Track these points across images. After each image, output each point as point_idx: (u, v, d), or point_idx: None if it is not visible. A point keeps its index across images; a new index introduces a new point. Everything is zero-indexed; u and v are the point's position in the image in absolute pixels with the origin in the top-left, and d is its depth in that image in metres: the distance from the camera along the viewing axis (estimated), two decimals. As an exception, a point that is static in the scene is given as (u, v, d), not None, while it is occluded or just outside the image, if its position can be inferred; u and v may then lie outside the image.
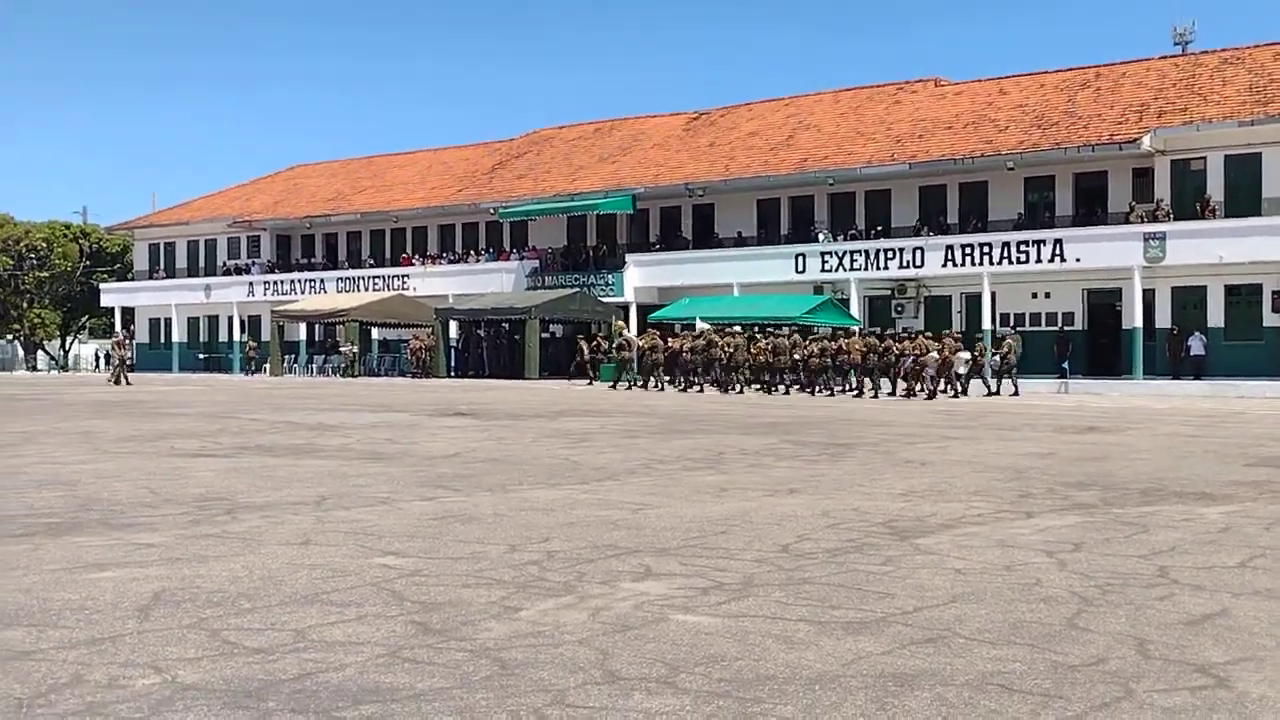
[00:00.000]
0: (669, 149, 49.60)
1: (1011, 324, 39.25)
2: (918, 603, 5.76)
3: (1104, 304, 38.46)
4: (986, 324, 37.82)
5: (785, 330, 36.09)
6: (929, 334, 33.13)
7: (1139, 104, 39.10)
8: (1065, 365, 36.28)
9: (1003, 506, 9.30)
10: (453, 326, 47.05)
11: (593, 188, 47.39)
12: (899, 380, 32.11)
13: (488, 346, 46.04)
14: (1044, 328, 39.11)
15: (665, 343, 36.47)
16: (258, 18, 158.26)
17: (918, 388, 31.22)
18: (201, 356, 58.84)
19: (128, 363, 43.90)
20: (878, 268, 39.63)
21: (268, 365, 51.61)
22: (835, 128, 45.89)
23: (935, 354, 31.39)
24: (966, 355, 32.42)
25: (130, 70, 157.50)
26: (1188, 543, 7.58)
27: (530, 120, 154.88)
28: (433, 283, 50.35)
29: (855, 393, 32.33)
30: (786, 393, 33.13)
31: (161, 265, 62.36)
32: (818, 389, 33.02)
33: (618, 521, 8.37)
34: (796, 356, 33.73)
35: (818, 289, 41.56)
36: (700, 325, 37.83)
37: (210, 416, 21.02)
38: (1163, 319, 36.49)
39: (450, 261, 51.95)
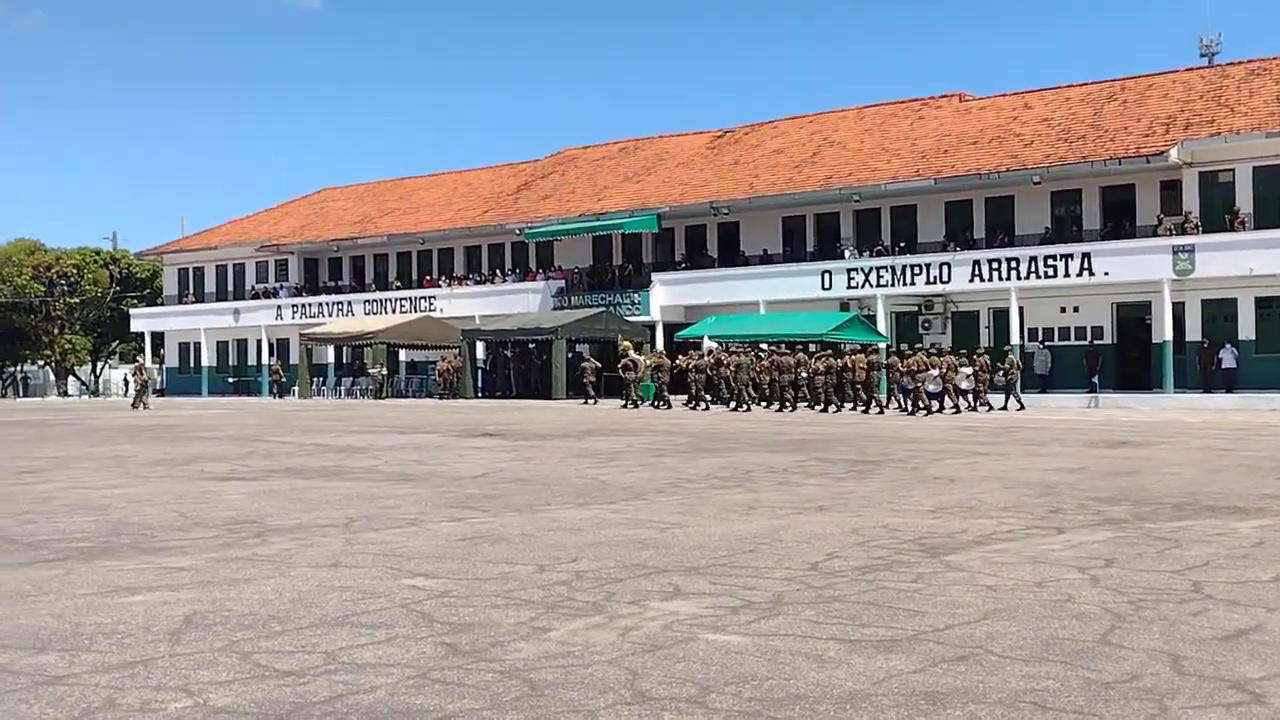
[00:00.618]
0: (693, 168, 49.66)
1: (1040, 339, 39.08)
2: (949, 620, 5.73)
3: (1133, 318, 38.23)
4: (1015, 339, 37.65)
5: (798, 347, 36.10)
6: (934, 350, 33.49)
7: (1165, 116, 38.93)
8: (1095, 379, 36.06)
9: (1033, 522, 9.25)
10: (479, 347, 47.17)
11: (618, 207, 47.47)
12: (895, 397, 32.53)
13: (514, 367, 46.13)
14: (1073, 342, 38.91)
15: (672, 361, 36.89)
16: (282, 42, 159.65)
17: (920, 404, 31.34)
18: (230, 380, 59.15)
19: (148, 388, 44.33)
20: (904, 284, 39.54)
21: (296, 388, 51.85)
22: (860, 144, 45.87)
23: (935, 371, 31.58)
24: (968, 371, 32.68)
25: (159, 95, 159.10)
26: (1221, 558, 7.52)
27: (555, 141, 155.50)
28: (459, 304, 50.50)
29: (863, 409, 32.39)
30: (794, 410, 33.19)
31: (190, 290, 62.79)
32: (828, 406, 33.09)
33: (646, 541, 8.36)
34: (803, 374, 34.02)
35: (844, 306, 41.48)
36: (707, 344, 38.31)
37: (239, 440, 21.12)
38: (1193, 332, 36.25)
39: (476, 283, 52.08)
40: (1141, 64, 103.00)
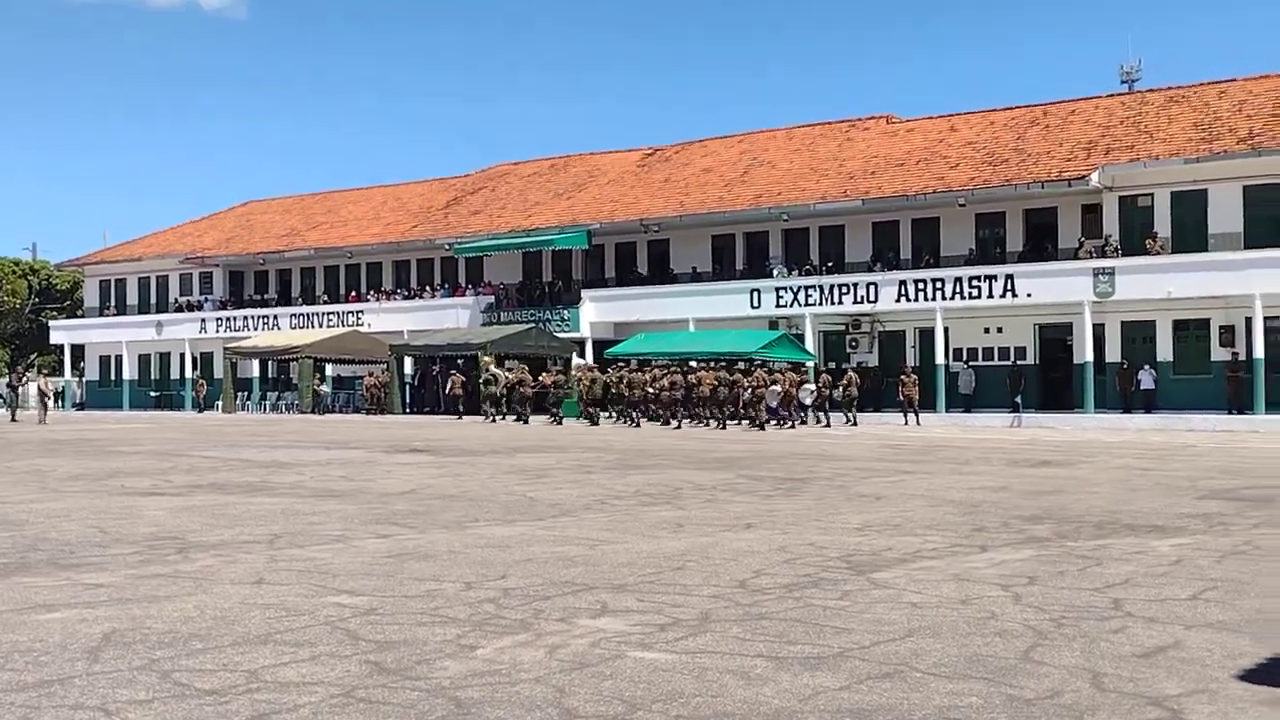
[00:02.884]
0: (624, 185, 49.78)
1: (965, 358, 39.58)
2: (875, 637, 5.77)
3: (1055, 338, 38.85)
4: (940, 358, 38.10)
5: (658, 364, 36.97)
6: (779, 368, 35.38)
7: (1087, 141, 39.66)
8: (1018, 399, 36.59)
9: (958, 540, 9.34)
10: (408, 362, 46.87)
11: (548, 224, 47.45)
12: (740, 410, 34.16)
13: (443, 382, 45.85)
14: (996, 362, 39.44)
15: (535, 378, 38.46)
16: (209, 50, 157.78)
17: (760, 418, 32.88)
18: (153, 394, 58.22)
19: (47, 404, 43.88)
20: (832, 303, 39.86)
21: (220, 402, 51.16)
22: (789, 164, 46.24)
23: (777, 387, 33.35)
24: (811, 388, 34.72)
25: (79, 102, 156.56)
26: (1140, 575, 7.65)
27: (486, 156, 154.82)
28: (388, 319, 50.16)
29: (714, 424, 33.85)
30: (637, 425, 34.70)
31: (112, 302, 61.74)
32: (673, 421, 34.43)
33: (574, 558, 8.34)
34: (650, 390, 35.03)
35: (773, 324, 41.72)
36: (577, 362, 40.60)
37: (161, 454, 20.79)
38: (1113, 353, 36.90)
39: (405, 297, 51.77)
40: (1064, 90, 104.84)
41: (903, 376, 35.73)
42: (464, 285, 51.09)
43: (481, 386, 39.27)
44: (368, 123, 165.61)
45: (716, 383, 34.05)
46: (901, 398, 35.22)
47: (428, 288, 51.99)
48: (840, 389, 35.62)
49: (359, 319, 50.91)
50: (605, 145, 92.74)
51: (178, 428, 34.27)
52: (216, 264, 58.01)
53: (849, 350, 41.71)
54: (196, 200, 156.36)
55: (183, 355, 56.63)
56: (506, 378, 38.66)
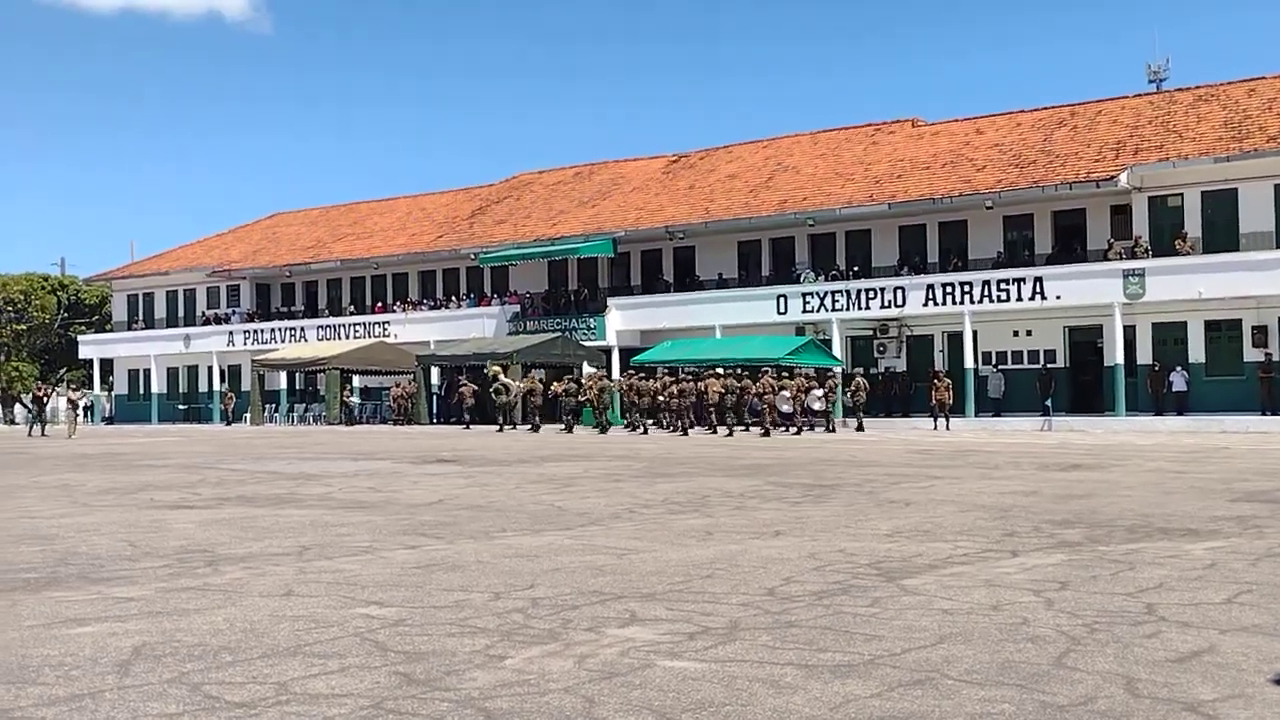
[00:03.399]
0: (649, 192, 49.83)
1: (994, 362, 39.42)
2: (905, 644, 5.75)
3: (1085, 341, 38.65)
4: (969, 362, 37.95)
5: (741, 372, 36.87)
6: (786, 373, 35.49)
7: (1115, 141, 39.46)
8: (1048, 402, 36.42)
9: (989, 546, 9.30)
10: (434, 373, 47.01)
11: (573, 232, 47.56)
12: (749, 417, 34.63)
13: (477, 391, 45.96)
14: (1026, 365, 39.26)
15: (546, 386, 38.89)
16: (235, 64, 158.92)
17: (766, 424, 33.04)
18: (181, 407, 58.59)
19: (77, 417, 44.41)
20: (859, 308, 39.80)
21: (248, 415, 51.43)
22: (814, 169, 46.19)
23: (787, 393, 33.53)
24: (819, 393, 34.73)
25: (105, 117, 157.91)
26: (1174, 579, 7.59)
27: (510, 165, 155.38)
28: (414, 329, 50.37)
29: (720, 431, 34.11)
30: (644, 432, 34.99)
31: (140, 316, 62.20)
32: (679, 428, 34.67)
33: (603, 567, 8.34)
34: (661, 398, 35.16)
35: (800, 330, 41.70)
36: (587, 370, 40.98)
37: (189, 467, 20.91)
38: (1144, 355, 36.68)
39: (431, 308, 51.98)
40: (1091, 90, 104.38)
41: (935, 381, 35.61)
42: (489, 295, 51.25)
43: (493, 396, 39.49)
44: (392, 133, 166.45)
45: (724, 390, 34.09)
46: (933, 402, 35.11)
47: (453, 298, 52.18)
48: (849, 394, 35.63)
49: (385, 330, 51.15)
50: (630, 152, 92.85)
51: (205, 441, 34.47)
52: (243, 276, 58.38)
53: (877, 355, 41.63)
54: (223, 213, 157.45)
55: (210, 368, 57.03)
56: (518, 387, 38.89)
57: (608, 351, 44.57)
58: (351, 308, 55.48)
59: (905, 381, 40.72)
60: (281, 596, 7.32)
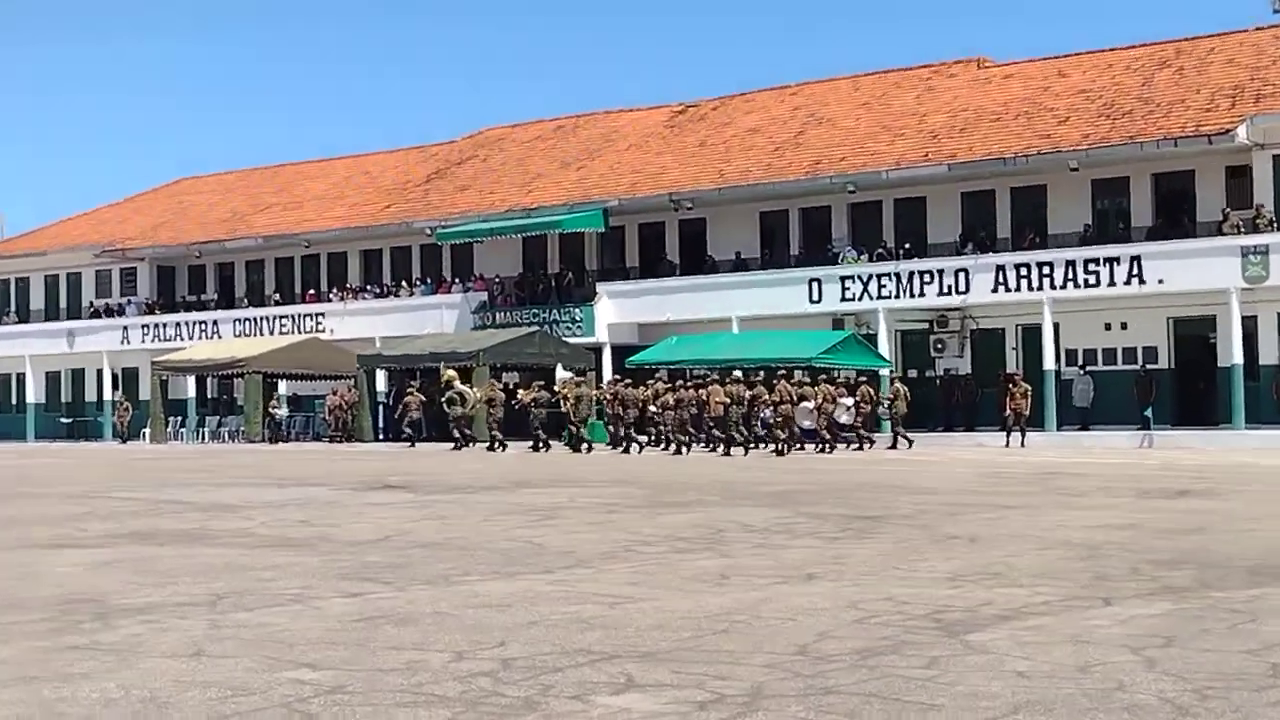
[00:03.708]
0: (649, 151, 49.84)
1: (1080, 362, 39.39)
2: (971, 716, 5.74)
3: (1195, 335, 38.63)
4: (1048, 363, 37.95)
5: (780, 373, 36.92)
6: (806, 379, 34.97)
7: (1232, 86, 39.46)
8: (1148, 412, 36.38)
9: (1075, 592, 9.30)
10: (380, 377, 46.98)
11: (554, 200, 47.53)
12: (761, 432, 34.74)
13: (426, 402, 45.95)
14: (1121, 366, 39.22)
15: (510, 395, 39.03)
16: (135, 6, 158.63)
17: (781, 441, 33.12)
18: (64, 421, 58.50)
19: None
20: (912, 295, 39.77)
21: (147, 430, 51.38)
22: (855, 122, 46.20)
23: (809, 404, 33.39)
24: (848, 403, 34.52)
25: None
26: (1307, 633, 7.59)
27: (475, 118, 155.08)
28: (355, 323, 50.30)
29: (719, 449, 34.11)
30: (640, 450, 35.21)
31: (12, 306, 62.13)
32: (679, 448, 34.75)
33: (592, 619, 8.34)
34: (652, 409, 35.23)
35: (838, 323, 41.68)
36: (561, 375, 40.76)
37: (74, 496, 20.89)
38: (1269, 354, 36.66)
39: (376, 296, 51.94)
40: (1202, 22, 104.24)
41: (1010, 386, 35.51)
42: (449, 280, 51.22)
43: (445, 407, 39.50)
44: (329, 78, 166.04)
45: (731, 399, 34.04)
46: (1008, 412, 35.05)
47: (404, 284, 52.13)
48: (885, 404, 35.58)
49: (319, 324, 51.11)
50: (625, 101, 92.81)
51: (95, 463, 34.43)
52: (141, 257, 58.36)
53: (934, 354, 41.62)
54: (116, 180, 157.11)
55: (100, 372, 56.92)
56: (476, 396, 38.93)
57: (597, 350, 44.51)
58: (277, 296, 55.42)
59: (969, 387, 40.66)
60: (190, 657, 7.31)
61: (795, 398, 33.48)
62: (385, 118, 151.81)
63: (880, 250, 42.36)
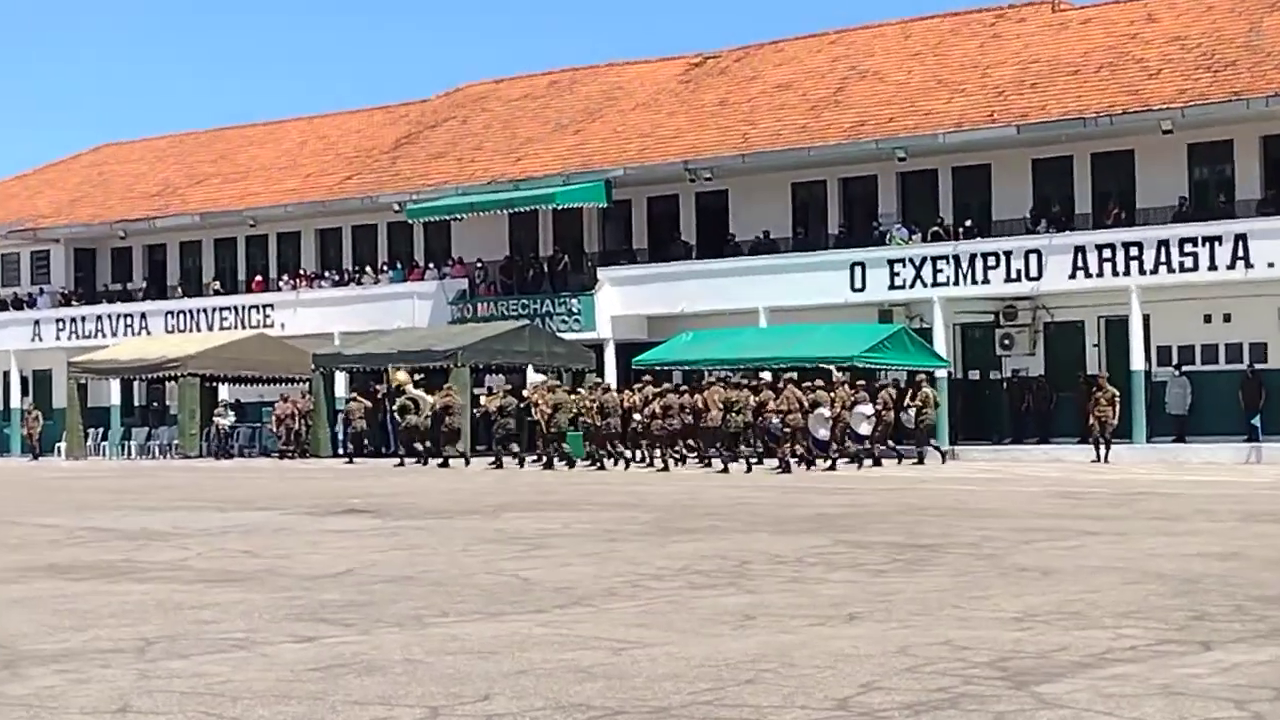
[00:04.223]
0: (659, 110, 49.80)
1: (1175, 361, 39.33)
2: (1043, 781, 5.75)
3: (1312, 329, 38.58)
4: (1137, 362, 37.89)
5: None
6: (819, 382, 35.04)
7: (1355, 31, 39.43)
8: (1255, 421, 36.31)
9: (1167, 634, 9.30)
10: (340, 380, 46.96)
11: (547, 170, 47.53)
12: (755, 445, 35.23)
13: (372, 409, 45.92)
14: (1222, 366, 39.13)
15: (475, 402, 39.68)
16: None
17: (788, 454, 33.41)
18: (-35, 432, 58.59)
19: None
20: (973, 281, 39.72)
21: (64, 443, 51.36)
22: (906, 75, 46.11)
23: (825, 410, 33.52)
24: (869, 410, 34.34)
25: None
26: None
27: (453, 73, 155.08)
28: (310, 316, 50.31)
29: (716, 464, 34.48)
30: (626, 466, 35.68)
31: (-98, 297, 62.22)
32: (666, 463, 35.21)
33: (592, 668, 8.35)
34: (638, 417, 35.47)
35: (886, 315, 41.63)
36: (533, 378, 41.22)
37: (-22, 522, 20.92)
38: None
39: (335, 284, 51.95)
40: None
41: (1095, 391, 35.45)
42: (423, 264, 51.22)
43: (397, 415, 39.51)
44: (279, 27, 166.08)
45: (727, 406, 34.20)
46: (1092, 420, 34.99)
47: (368, 269, 52.12)
48: (911, 411, 35.44)
49: (267, 318, 51.12)
50: (631, 52, 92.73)
51: (1, 482, 34.44)
52: (55, 239, 58.41)
53: (1000, 352, 41.55)
54: (24, 148, 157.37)
55: (7, 375, 56.92)
56: (430, 403, 38.93)
57: (598, 348, 44.50)
58: (217, 284, 55.42)
59: (1042, 391, 40.58)
60: (114, 714, 7.33)
61: (807, 405, 33.31)
62: (346, 72, 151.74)
63: (936, 228, 42.30)
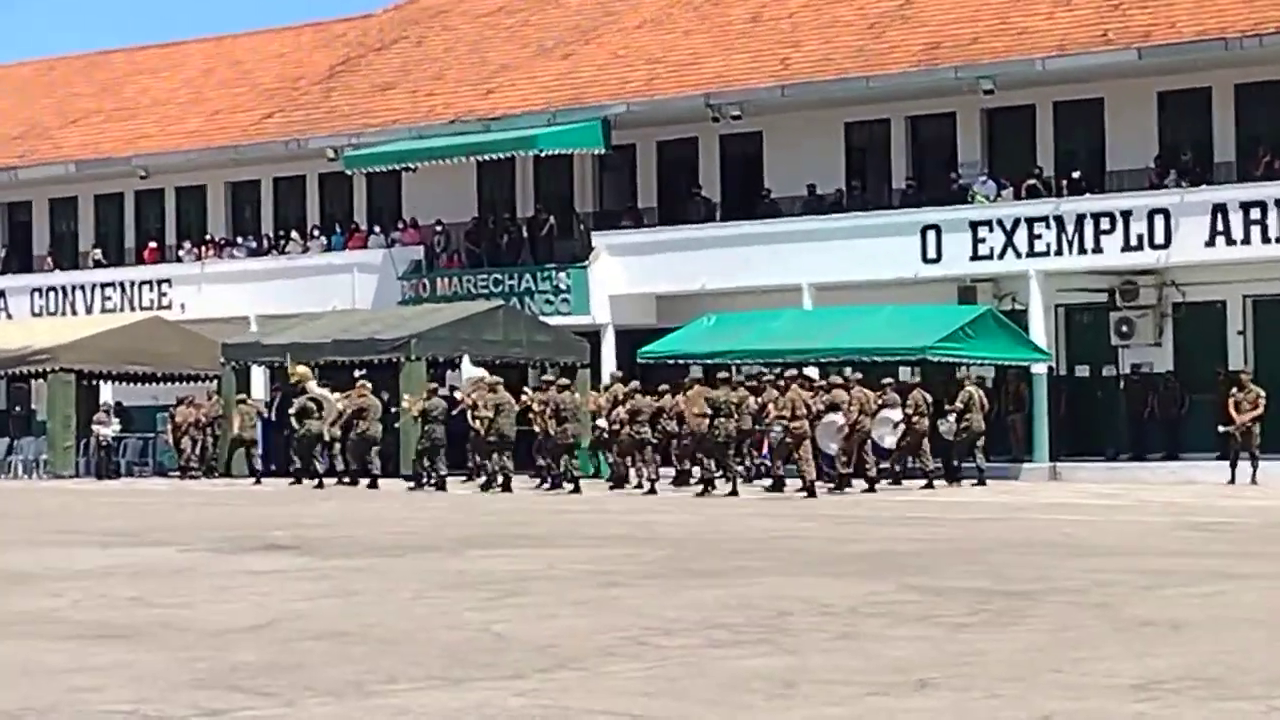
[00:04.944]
0: (672, 30, 49.81)
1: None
2: None
3: None
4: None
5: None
6: (820, 381, 35.79)
7: None
8: None
9: (1333, 708, 9.30)
10: (258, 377, 46.96)
11: (527, 107, 47.55)
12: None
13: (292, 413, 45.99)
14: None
15: (388, 405, 40.12)
16: None
17: (781, 470, 34.17)
18: None
19: None
20: (1081, 250, 39.71)
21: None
22: (991, -17, 46.16)
23: (837, 417, 33.78)
24: (896, 416, 34.81)
25: None
26: None
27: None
28: (219, 294, 50.39)
29: (697, 485, 35.15)
30: (573, 488, 36.04)
31: None
32: (622, 480, 36.19)
33: (584, 750, 8.37)
34: (602, 423, 35.93)
35: (967, 293, 41.61)
36: (469, 371, 40.57)
37: None
38: None
39: (252, 253, 52.00)
40: None
41: (1235, 391, 35.47)
42: (365, 228, 51.25)
43: (293, 421, 39.58)
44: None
45: (712, 409, 34.14)
46: (1232, 429, 35.02)
47: (294, 235, 52.14)
48: (949, 420, 35.43)
49: (163, 296, 51.16)
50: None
51: None
52: (-115, 194, 58.52)
53: (1117, 341, 41.54)
54: None
55: None
56: (338, 406, 39.00)
57: (593, 335, 44.49)
58: (98, 254, 55.47)
59: (1171, 391, 40.54)
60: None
61: (814, 409, 33.33)
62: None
63: (1032, 182, 42.32)
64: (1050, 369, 39.04)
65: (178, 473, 46.16)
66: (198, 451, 45.77)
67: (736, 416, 34.48)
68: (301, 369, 40.87)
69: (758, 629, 13.08)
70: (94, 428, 48.39)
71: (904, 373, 36.83)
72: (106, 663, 11.66)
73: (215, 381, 46.14)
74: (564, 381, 37.63)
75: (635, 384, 37.18)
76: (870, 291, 41.26)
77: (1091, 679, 10.39)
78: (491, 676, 10.83)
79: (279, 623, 13.89)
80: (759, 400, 34.55)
